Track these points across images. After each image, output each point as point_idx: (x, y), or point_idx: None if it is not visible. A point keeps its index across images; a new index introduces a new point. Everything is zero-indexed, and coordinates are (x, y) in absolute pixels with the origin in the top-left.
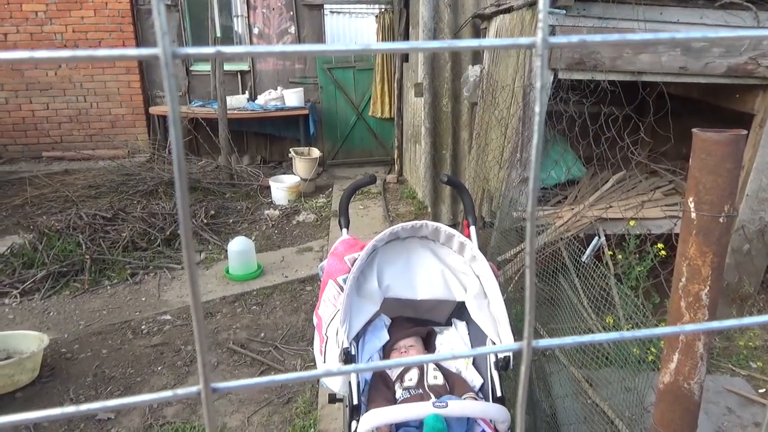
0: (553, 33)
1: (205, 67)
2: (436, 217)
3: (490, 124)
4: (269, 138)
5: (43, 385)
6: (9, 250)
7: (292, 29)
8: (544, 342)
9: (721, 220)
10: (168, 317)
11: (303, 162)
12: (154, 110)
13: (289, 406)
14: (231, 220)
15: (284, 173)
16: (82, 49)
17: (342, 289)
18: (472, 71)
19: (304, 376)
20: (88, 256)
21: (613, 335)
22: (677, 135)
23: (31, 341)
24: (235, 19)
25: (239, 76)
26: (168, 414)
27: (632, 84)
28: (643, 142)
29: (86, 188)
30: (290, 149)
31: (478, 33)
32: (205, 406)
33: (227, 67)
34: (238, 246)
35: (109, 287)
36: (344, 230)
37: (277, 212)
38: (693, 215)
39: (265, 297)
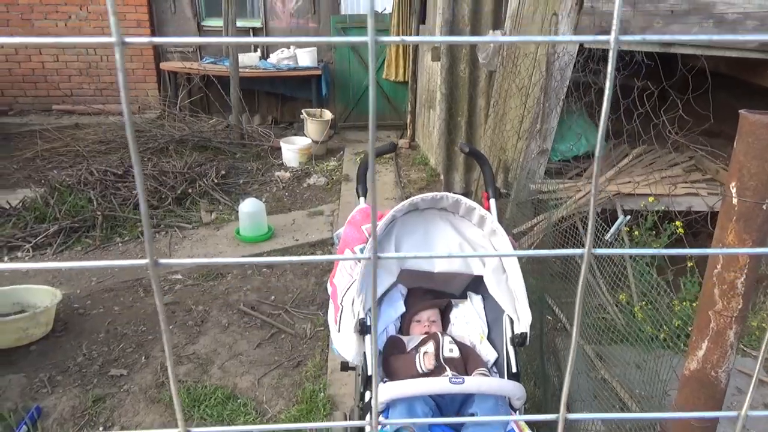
0: None
1: (218, 23)
2: (448, 185)
3: (510, 93)
4: (281, 98)
5: (56, 339)
6: (21, 204)
7: None
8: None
9: (764, 207)
10: (179, 276)
11: (315, 124)
12: (165, 66)
13: (299, 369)
14: (241, 181)
15: (295, 134)
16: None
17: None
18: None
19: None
20: (99, 213)
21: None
22: (705, 110)
23: (44, 295)
24: None
25: (251, 34)
26: (180, 373)
27: (664, 58)
28: (671, 118)
29: (96, 143)
30: (302, 110)
31: None
32: None
33: (239, 23)
34: (249, 207)
35: (120, 244)
36: (361, 198)
37: (287, 174)
38: (734, 201)
39: None
